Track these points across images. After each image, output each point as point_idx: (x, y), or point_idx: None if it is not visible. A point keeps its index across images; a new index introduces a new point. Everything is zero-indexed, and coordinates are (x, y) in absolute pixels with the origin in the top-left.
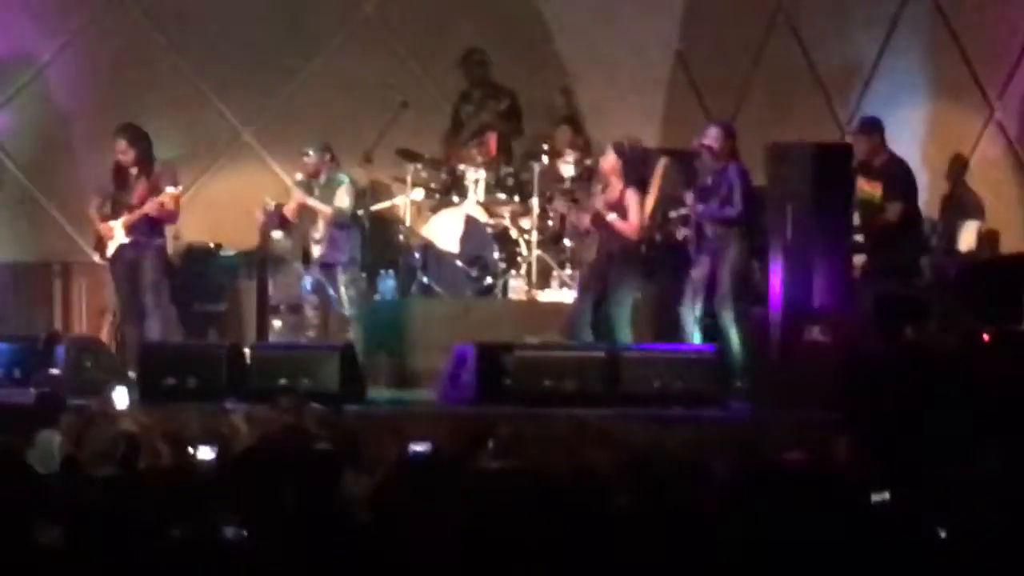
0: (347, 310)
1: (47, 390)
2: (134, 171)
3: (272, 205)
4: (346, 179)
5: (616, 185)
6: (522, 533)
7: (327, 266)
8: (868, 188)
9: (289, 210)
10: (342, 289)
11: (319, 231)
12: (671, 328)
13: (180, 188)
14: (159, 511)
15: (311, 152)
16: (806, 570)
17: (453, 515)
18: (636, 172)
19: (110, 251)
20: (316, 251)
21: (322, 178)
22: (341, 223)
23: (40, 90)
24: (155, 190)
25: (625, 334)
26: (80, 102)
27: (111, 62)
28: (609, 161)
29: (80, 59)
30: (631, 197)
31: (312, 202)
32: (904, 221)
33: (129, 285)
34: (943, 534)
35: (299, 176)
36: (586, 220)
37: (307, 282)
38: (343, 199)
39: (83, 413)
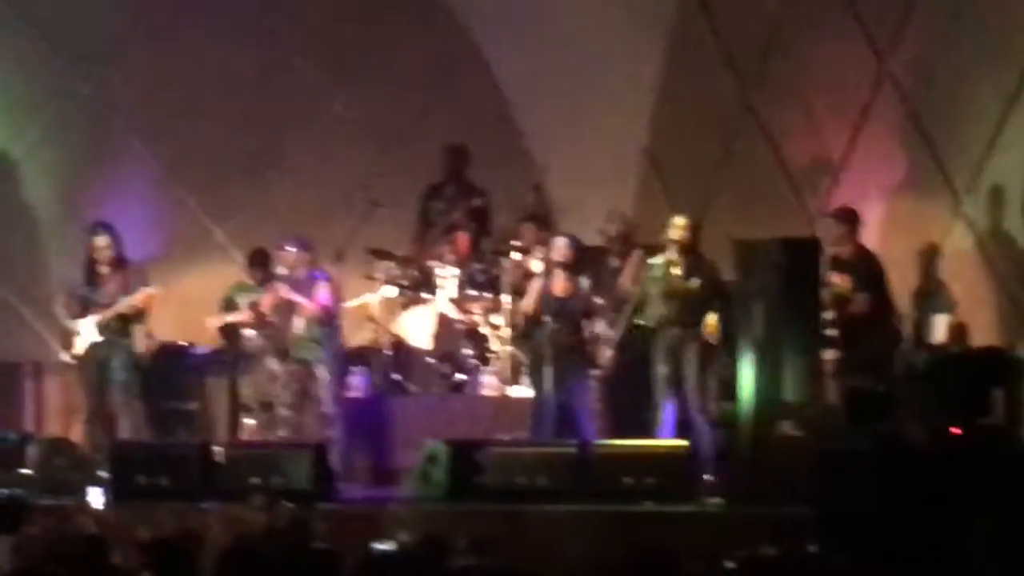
0: (329, 408)
1: (14, 492)
2: (105, 270)
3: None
4: (327, 276)
5: (562, 277)
6: None
7: (304, 363)
8: (839, 281)
9: (267, 305)
10: (323, 387)
11: (300, 327)
12: (641, 421)
13: (155, 289)
14: None
15: (291, 247)
16: None
17: None
18: (585, 265)
19: (79, 349)
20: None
21: (300, 273)
22: (323, 320)
23: (11, 188)
24: (127, 288)
25: (588, 427)
26: (51, 201)
27: (82, 160)
28: (562, 253)
29: (50, 157)
30: (588, 290)
31: (299, 299)
32: (874, 313)
33: (98, 384)
34: None
35: (281, 270)
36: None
37: (282, 380)
38: (326, 296)
39: (55, 514)
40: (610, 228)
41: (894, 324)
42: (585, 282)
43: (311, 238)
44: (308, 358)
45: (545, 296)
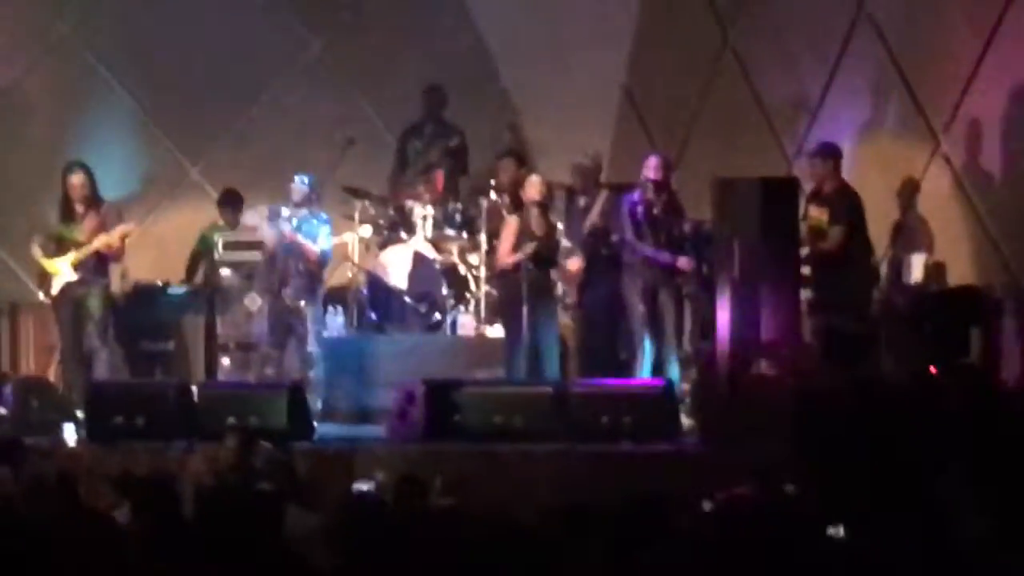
0: (313, 347)
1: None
2: (80, 208)
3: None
4: (329, 220)
5: (536, 214)
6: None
7: (296, 301)
8: (816, 214)
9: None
10: (309, 326)
11: (302, 265)
12: (617, 360)
13: (132, 225)
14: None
15: (305, 182)
16: None
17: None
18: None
19: (55, 289)
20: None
21: (303, 211)
22: (320, 263)
23: None
24: (103, 227)
25: (553, 367)
26: (28, 141)
27: (58, 100)
28: (538, 191)
29: (27, 97)
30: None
31: (301, 239)
32: (851, 251)
33: (74, 323)
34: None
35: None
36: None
37: (265, 319)
38: (327, 240)
39: (35, 451)
40: (585, 160)
41: (871, 263)
42: (557, 222)
43: (282, 179)
44: (302, 298)
45: (522, 235)
